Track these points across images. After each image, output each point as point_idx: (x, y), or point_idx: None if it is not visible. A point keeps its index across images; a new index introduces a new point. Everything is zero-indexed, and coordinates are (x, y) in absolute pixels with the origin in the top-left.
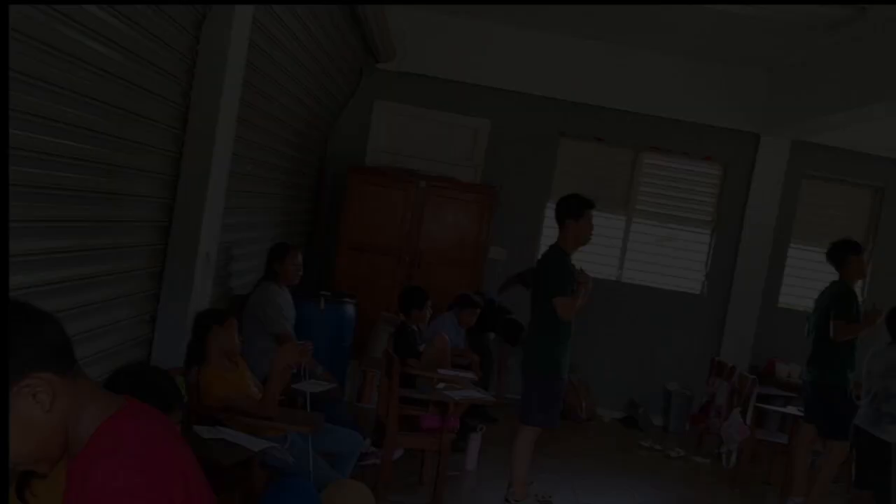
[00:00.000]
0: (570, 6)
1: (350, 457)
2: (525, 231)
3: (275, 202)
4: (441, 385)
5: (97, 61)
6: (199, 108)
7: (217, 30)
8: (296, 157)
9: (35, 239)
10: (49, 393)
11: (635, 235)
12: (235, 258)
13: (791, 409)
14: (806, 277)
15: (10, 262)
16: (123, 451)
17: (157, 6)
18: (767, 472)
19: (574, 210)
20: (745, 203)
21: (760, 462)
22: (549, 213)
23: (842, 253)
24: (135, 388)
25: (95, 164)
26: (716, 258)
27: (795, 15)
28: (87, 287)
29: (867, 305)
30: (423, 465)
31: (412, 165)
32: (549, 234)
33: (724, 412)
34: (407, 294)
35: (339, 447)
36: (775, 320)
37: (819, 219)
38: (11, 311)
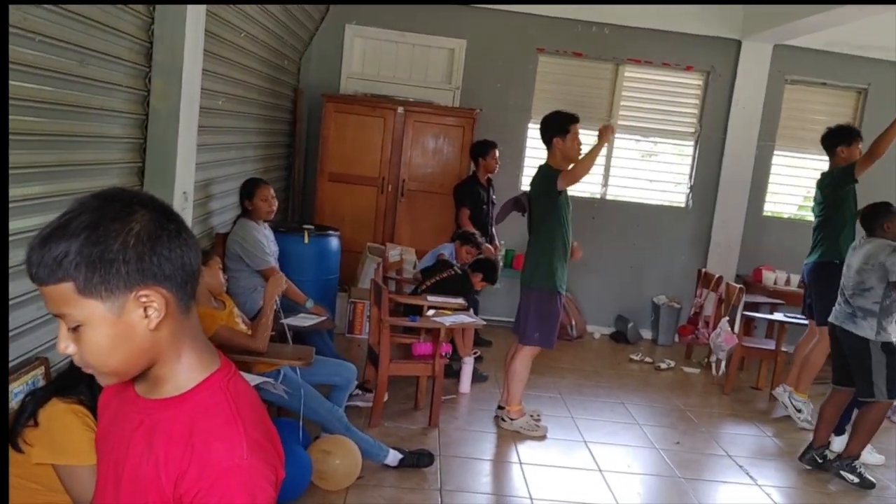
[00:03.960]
0: None
1: (345, 387)
2: (508, 152)
3: (250, 137)
4: (431, 311)
5: None
6: (162, 43)
7: None
8: (268, 90)
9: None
10: (161, 312)
11: (619, 151)
12: (214, 196)
13: (778, 316)
14: (791, 184)
15: None
16: (242, 417)
17: None
18: (756, 378)
19: (559, 127)
20: (727, 112)
21: (749, 369)
22: (532, 133)
23: (831, 142)
24: None
25: (60, 107)
26: (700, 170)
27: None
28: None
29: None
30: (417, 391)
31: (389, 91)
32: (533, 154)
33: (712, 322)
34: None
35: (332, 379)
36: (761, 229)
37: (803, 124)
38: (168, 216)
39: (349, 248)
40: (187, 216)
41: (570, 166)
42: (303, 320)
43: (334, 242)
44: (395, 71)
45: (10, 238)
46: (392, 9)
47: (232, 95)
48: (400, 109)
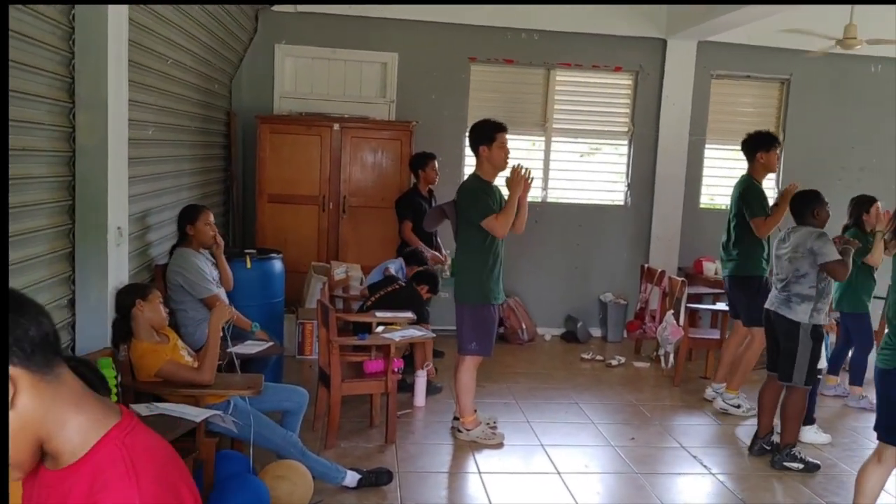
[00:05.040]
0: None
1: (298, 412)
2: (447, 162)
3: (185, 164)
4: (380, 328)
5: None
6: (84, 77)
7: None
8: (200, 115)
9: None
10: (13, 389)
11: (556, 154)
12: (151, 227)
13: (721, 306)
14: (724, 176)
15: None
16: (137, 473)
17: None
18: (704, 367)
19: (485, 136)
20: (658, 109)
21: (696, 359)
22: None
23: (751, 148)
24: None
25: None
26: (636, 167)
27: None
28: None
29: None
30: (371, 408)
31: (324, 109)
32: (473, 162)
33: (658, 316)
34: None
35: (284, 405)
36: (698, 221)
37: (731, 116)
38: None
39: (294, 268)
40: (123, 252)
41: (493, 217)
42: (250, 347)
43: (277, 265)
44: (328, 88)
45: None
46: (322, 26)
47: (162, 124)
48: (336, 126)
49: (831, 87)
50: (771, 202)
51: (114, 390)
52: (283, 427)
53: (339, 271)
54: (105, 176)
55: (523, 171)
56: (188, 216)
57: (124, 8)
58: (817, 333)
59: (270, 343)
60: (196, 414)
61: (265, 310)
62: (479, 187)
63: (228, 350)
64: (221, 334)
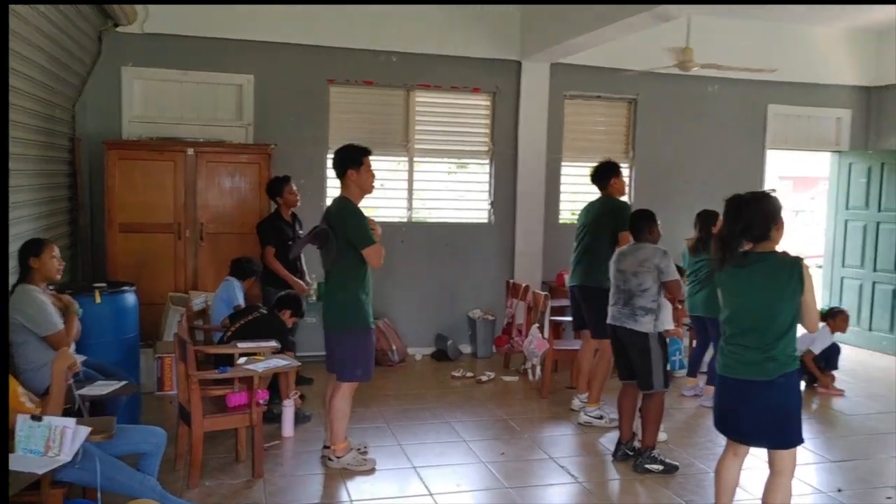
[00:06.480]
0: None
1: (156, 453)
2: (310, 184)
3: (25, 195)
4: (243, 359)
5: None
6: None
7: None
8: (41, 143)
9: None
10: None
11: (419, 174)
12: None
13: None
14: (581, 192)
15: None
16: None
17: None
18: (570, 377)
19: (353, 160)
20: (516, 129)
21: (562, 370)
22: (331, 163)
23: (603, 176)
24: None
25: None
26: (498, 186)
27: None
28: None
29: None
30: (237, 442)
31: (177, 132)
32: (336, 183)
33: (524, 330)
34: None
35: (140, 447)
36: (559, 236)
37: (585, 135)
38: None
39: (149, 300)
40: None
41: (376, 246)
42: (100, 388)
43: (130, 298)
44: (181, 111)
45: None
46: (172, 47)
47: None
48: (190, 151)
49: (674, 106)
50: None
51: None
52: (140, 471)
53: (198, 301)
54: None
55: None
56: (32, 250)
57: None
58: (663, 339)
59: (123, 382)
60: (42, 465)
61: (118, 346)
62: (356, 211)
63: (76, 393)
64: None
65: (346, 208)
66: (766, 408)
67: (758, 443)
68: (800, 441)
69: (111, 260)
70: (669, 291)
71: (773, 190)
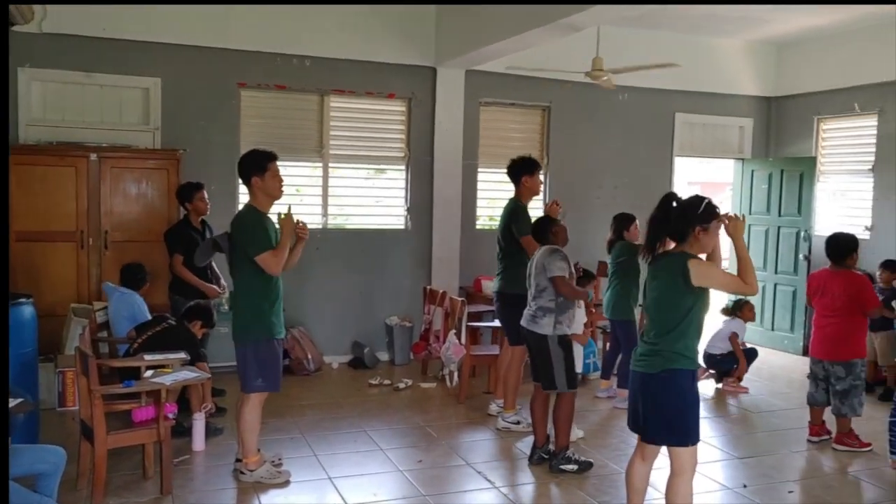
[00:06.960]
0: None
1: (54, 473)
2: (221, 190)
3: None
4: (150, 372)
5: None
6: None
7: None
8: None
9: None
10: None
11: (335, 180)
12: None
13: (497, 323)
14: (497, 198)
15: None
16: None
17: None
18: (487, 382)
19: (257, 166)
20: (432, 135)
21: (480, 375)
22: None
23: (515, 173)
24: None
25: None
26: (414, 192)
27: None
28: None
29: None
30: (144, 458)
31: (79, 137)
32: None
33: (442, 336)
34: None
35: (36, 467)
36: (476, 241)
37: (500, 141)
38: None
39: (50, 312)
40: None
41: (269, 253)
42: None
43: (27, 310)
44: (83, 115)
45: None
46: (74, 49)
47: None
48: (93, 156)
49: (586, 113)
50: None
51: None
52: (37, 492)
53: (101, 312)
54: None
55: (295, 219)
56: None
57: None
58: (564, 342)
59: (18, 400)
60: None
61: (15, 361)
62: (255, 219)
63: None
64: None
65: (243, 216)
66: (654, 403)
67: (654, 438)
68: (694, 440)
69: (9, 269)
70: (555, 288)
71: (711, 200)
